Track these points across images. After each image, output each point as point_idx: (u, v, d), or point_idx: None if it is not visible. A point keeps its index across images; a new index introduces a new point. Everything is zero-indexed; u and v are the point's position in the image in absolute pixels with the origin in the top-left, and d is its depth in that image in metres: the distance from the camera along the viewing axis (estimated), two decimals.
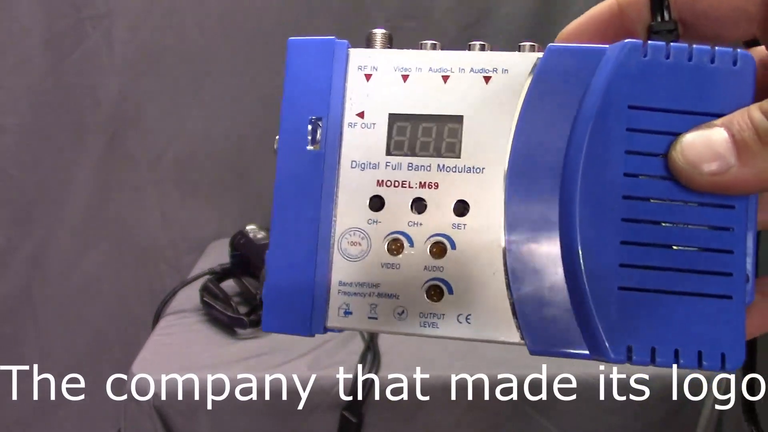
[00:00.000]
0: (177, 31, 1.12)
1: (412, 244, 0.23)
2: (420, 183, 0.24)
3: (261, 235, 0.93)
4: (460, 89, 0.24)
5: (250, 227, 0.95)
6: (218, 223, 1.19)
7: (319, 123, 0.24)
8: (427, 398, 0.73)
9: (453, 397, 0.72)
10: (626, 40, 0.22)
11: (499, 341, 0.23)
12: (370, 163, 0.24)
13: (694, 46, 0.22)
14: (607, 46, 0.22)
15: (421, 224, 0.23)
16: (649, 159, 0.21)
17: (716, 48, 0.22)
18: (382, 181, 0.24)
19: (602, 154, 0.22)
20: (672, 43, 0.22)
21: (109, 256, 1.19)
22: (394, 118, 0.24)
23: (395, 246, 0.24)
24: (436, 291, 0.23)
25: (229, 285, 0.91)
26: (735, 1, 0.22)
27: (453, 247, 0.23)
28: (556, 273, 0.22)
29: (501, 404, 0.73)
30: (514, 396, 0.73)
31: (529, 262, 0.22)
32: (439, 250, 0.23)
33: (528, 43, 0.23)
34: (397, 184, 0.24)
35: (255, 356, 0.76)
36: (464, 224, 0.23)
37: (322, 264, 0.24)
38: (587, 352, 0.22)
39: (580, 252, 0.21)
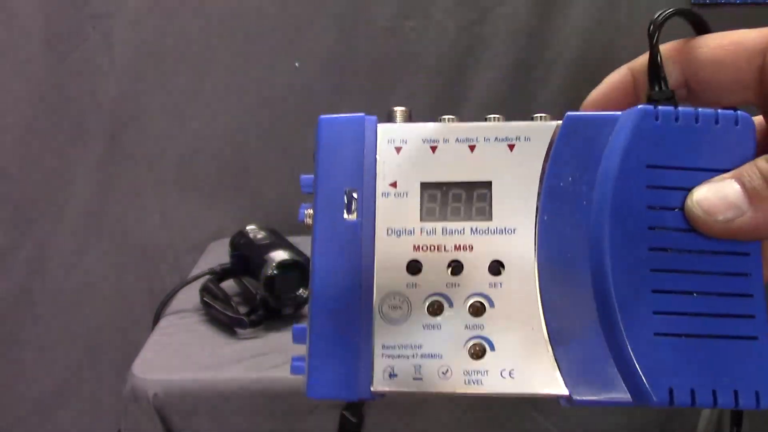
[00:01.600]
0: (177, 32, 1.12)
1: (451, 305, 0.24)
2: (455, 246, 0.25)
3: (261, 235, 0.93)
4: (487, 157, 0.25)
5: (250, 227, 0.95)
6: (218, 223, 1.19)
7: (354, 194, 0.25)
8: (427, 398, 0.73)
9: (453, 397, 0.72)
10: (639, 106, 0.24)
11: (544, 394, 0.23)
12: (405, 230, 0.25)
13: (699, 109, 0.24)
14: (620, 113, 0.24)
15: (459, 285, 0.24)
16: (669, 213, 0.23)
17: (719, 111, 0.24)
18: (419, 246, 0.25)
19: (627, 210, 0.23)
20: (680, 108, 0.24)
21: (109, 256, 1.19)
22: (425, 186, 0.25)
23: (435, 307, 0.24)
24: (478, 349, 0.24)
25: (229, 285, 0.91)
26: (732, 72, 0.25)
27: (491, 305, 0.24)
28: (593, 325, 0.23)
29: (501, 404, 0.73)
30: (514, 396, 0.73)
31: (567, 317, 0.24)
32: (477, 309, 0.24)
33: (540, 114, 0.25)
34: (433, 248, 0.25)
35: (255, 356, 0.76)
36: (500, 283, 0.24)
37: (365, 329, 0.24)
38: (630, 398, 0.23)
39: (616, 304, 0.23)
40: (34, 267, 1.17)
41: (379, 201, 0.25)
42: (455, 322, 0.24)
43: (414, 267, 0.25)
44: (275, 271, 0.81)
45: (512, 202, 0.25)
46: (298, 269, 0.83)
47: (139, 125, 1.15)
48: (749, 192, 0.22)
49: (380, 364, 0.24)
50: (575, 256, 0.24)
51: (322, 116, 0.26)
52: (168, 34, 1.12)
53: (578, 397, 0.23)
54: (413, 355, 0.24)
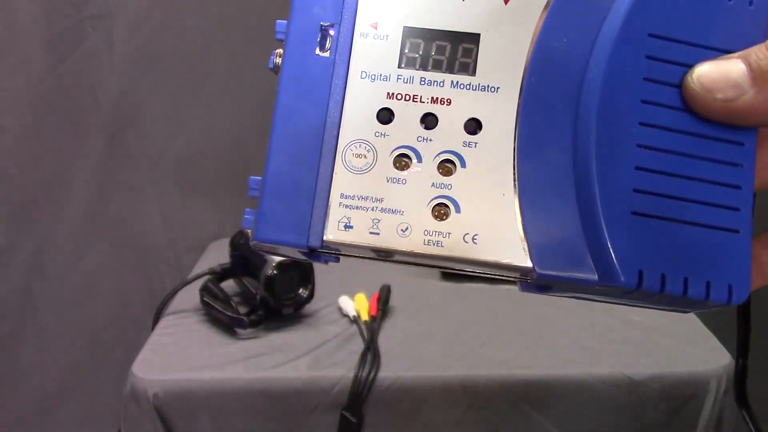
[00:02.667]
0: (177, 32, 1.12)
1: (420, 160, 0.23)
2: (432, 98, 0.23)
3: None
4: (479, 7, 0.23)
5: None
6: (218, 223, 1.19)
7: (330, 30, 0.23)
8: (427, 398, 0.73)
9: (453, 397, 0.72)
10: None
11: (505, 263, 0.22)
12: (381, 75, 0.23)
13: None
14: None
15: (430, 140, 0.23)
16: (666, 88, 0.22)
17: None
18: (393, 93, 0.23)
19: (621, 79, 0.22)
20: None
21: (109, 256, 1.19)
22: (408, 31, 0.23)
23: (402, 161, 0.23)
24: (442, 209, 0.22)
25: (229, 285, 0.91)
26: None
27: (463, 165, 0.23)
28: (568, 196, 0.22)
29: (501, 404, 0.73)
30: (514, 396, 0.73)
31: (541, 184, 0.22)
32: (447, 167, 0.23)
33: None
34: (408, 97, 0.23)
35: (255, 356, 0.76)
36: (475, 143, 0.23)
37: (324, 173, 0.23)
38: (596, 277, 0.21)
39: (595, 174, 0.21)
40: (34, 267, 1.17)
41: (357, 41, 0.23)
42: (422, 179, 0.22)
43: (385, 115, 0.23)
44: (275, 271, 0.81)
45: (500, 59, 0.23)
46: (298, 269, 0.83)
47: (139, 125, 1.15)
48: (755, 71, 0.21)
49: (336, 214, 0.22)
50: (559, 123, 0.22)
51: None
52: (168, 34, 1.12)
53: (541, 271, 0.22)
54: (372, 208, 0.22)
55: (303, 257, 0.24)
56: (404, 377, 0.72)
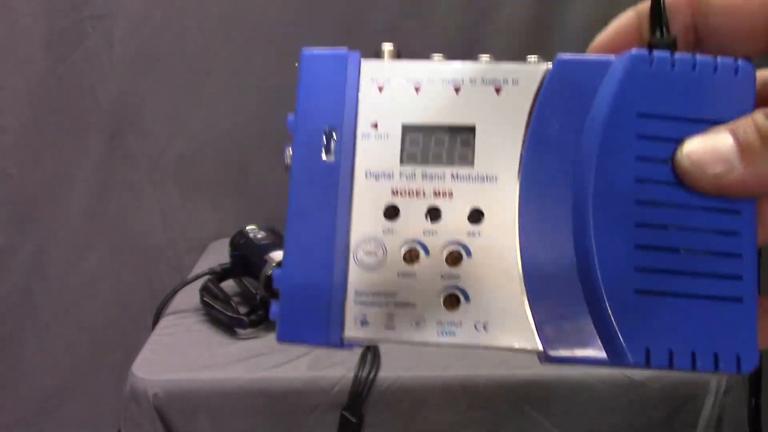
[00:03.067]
0: (177, 32, 1.12)
1: (427, 253, 0.24)
2: (434, 192, 0.24)
3: (261, 235, 0.93)
4: (472, 100, 0.24)
5: (250, 227, 0.95)
6: (218, 223, 1.19)
7: (334, 134, 0.24)
8: (427, 398, 0.73)
9: (453, 397, 0.72)
10: (633, 51, 0.23)
11: (517, 349, 0.23)
12: (384, 173, 0.24)
13: (698, 56, 0.22)
14: (613, 57, 0.23)
15: (436, 233, 0.24)
16: (658, 165, 0.22)
17: (718, 58, 0.22)
18: (397, 190, 0.24)
19: (614, 161, 0.22)
20: (677, 54, 0.22)
21: (109, 256, 1.19)
22: (407, 128, 0.24)
23: (411, 255, 0.24)
24: (452, 299, 0.23)
25: (229, 285, 0.91)
26: (744, 19, 0.23)
27: (468, 255, 0.23)
28: (572, 279, 0.22)
29: (501, 404, 0.73)
30: (514, 396, 0.73)
31: (545, 269, 0.23)
32: (454, 258, 0.23)
33: (534, 56, 0.24)
34: (411, 193, 0.24)
35: (255, 356, 0.76)
36: (479, 232, 0.23)
37: (339, 274, 0.24)
38: (606, 357, 0.22)
39: (596, 257, 0.22)
40: (34, 267, 1.17)
41: (360, 142, 0.24)
42: (431, 271, 0.23)
43: (391, 212, 0.24)
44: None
45: (496, 149, 0.24)
46: None
47: (139, 125, 1.15)
48: (742, 146, 0.21)
49: (352, 311, 0.23)
50: (558, 208, 0.23)
51: (305, 50, 0.25)
52: (168, 34, 1.12)
53: (553, 354, 0.22)
54: (386, 303, 0.23)
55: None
56: (404, 377, 0.72)
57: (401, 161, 0.24)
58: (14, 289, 1.17)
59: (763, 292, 0.22)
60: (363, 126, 0.24)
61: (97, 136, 1.15)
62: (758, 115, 0.21)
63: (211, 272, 0.91)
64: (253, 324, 0.80)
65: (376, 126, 0.24)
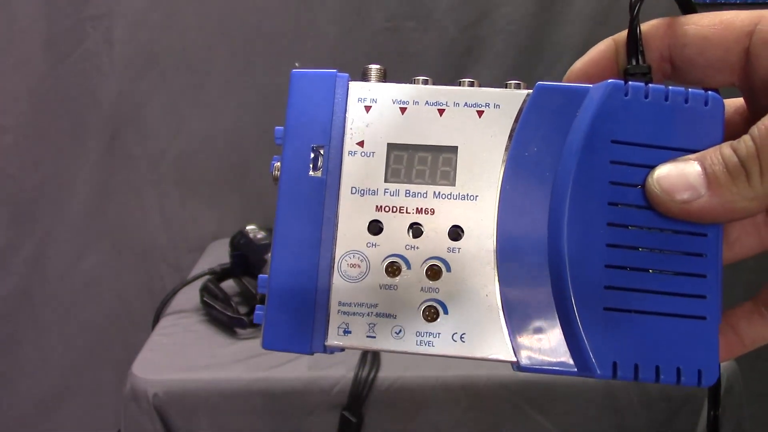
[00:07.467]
0: (177, 32, 1.12)
1: (409, 267, 0.25)
2: (417, 209, 0.25)
3: (261, 235, 0.93)
4: (455, 122, 0.25)
5: (250, 227, 0.95)
6: (218, 223, 1.19)
7: (321, 151, 0.25)
8: (427, 398, 0.73)
9: (453, 397, 0.72)
10: (609, 81, 0.24)
11: (492, 359, 0.24)
12: (369, 190, 0.25)
13: (670, 87, 0.24)
14: (590, 86, 0.24)
15: (417, 248, 0.25)
16: (630, 190, 0.23)
17: (689, 89, 0.24)
18: (381, 206, 0.25)
19: (588, 184, 0.23)
20: (650, 85, 0.24)
21: (109, 256, 1.19)
22: (392, 147, 0.25)
23: (393, 268, 0.25)
24: (431, 311, 0.24)
25: (229, 285, 0.91)
26: (719, 52, 0.24)
27: (448, 269, 0.25)
28: (546, 294, 0.24)
29: (501, 404, 0.73)
30: (514, 396, 0.73)
31: (520, 285, 0.24)
32: (434, 272, 0.25)
33: (513, 81, 0.25)
34: (395, 209, 0.25)
35: (255, 356, 0.76)
36: (459, 248, 0.25)
37: (323, 285, 0.25)
38: (575, 369, 0.23)
39: (569, 275, 0.23)
40: (34, 267, 1.17)
41: (346, 159, 0.25)
42: (411, 284, 0.25)
43: (375, 227, 0.25)
44: None
45: (477, 169, 0.25)
46: None
47: (139, 125, 1.16)
48: (709, 176, 0.22)
49: (335, 320, 0.25)
50: (534, 227, 0.24)
51: (294, 70, 0.26)
52: (168, 35, 1.12)
53: (524, 364, 0.24)
54: (368, 314, 0.25)
55: None
56: (404, 377, 0.72)
57: (386, 179, 0.25)
58: (14, 289, 1.17)
59: (724, 308, 0.24)
60: (349, 144, 0.26)
61: (97, 136, 1.15)
62: (725, 148, 0.22)
63: (211, 272, 0.91)
64: (253, 324, 0.80)
65: (362, 144, 0.26)
